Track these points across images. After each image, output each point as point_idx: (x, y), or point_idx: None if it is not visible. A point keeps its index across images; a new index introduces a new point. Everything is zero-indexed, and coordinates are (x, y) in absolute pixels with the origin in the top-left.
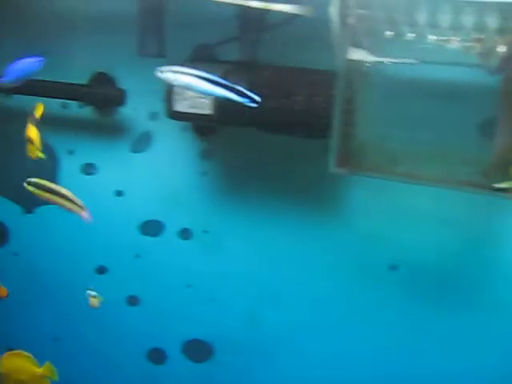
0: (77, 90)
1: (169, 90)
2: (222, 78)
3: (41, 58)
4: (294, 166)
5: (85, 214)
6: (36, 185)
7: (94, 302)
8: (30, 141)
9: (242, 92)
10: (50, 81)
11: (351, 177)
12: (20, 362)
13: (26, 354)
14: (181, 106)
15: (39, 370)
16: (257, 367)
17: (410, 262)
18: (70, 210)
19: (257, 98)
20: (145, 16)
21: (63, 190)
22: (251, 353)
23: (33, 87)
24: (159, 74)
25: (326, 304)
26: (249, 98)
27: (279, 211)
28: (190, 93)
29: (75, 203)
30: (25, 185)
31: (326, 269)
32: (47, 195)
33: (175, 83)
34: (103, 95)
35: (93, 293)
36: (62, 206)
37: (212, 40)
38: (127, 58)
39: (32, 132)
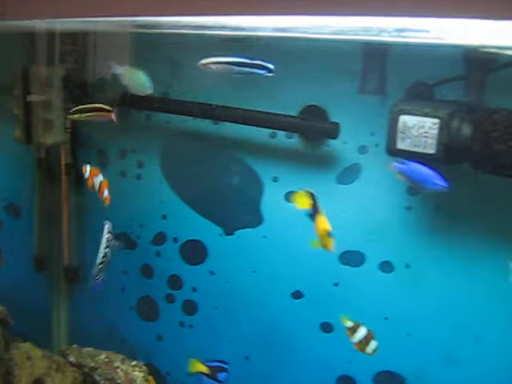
0: (290, 122)
1: (392, 128)
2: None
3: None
4: (506, 207)
5: (112, 116)
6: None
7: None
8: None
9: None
10: (261, 111)
11: None
12: None
13: None
14: (403, 144)
15: None
16: None
17: None
18: (101, 119)
19: (271, 67)
20: (368, 57)
21: (91, 105)
22: None
23: (243, 117)
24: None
25: None
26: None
27: (488, 251)
28: (414, 131)
29: (104, 109)
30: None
31: None
32: (85, 115)
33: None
34: (317, 128)
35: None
36: (96, 118)
37: (430, 79)
38: (341, 93)
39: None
